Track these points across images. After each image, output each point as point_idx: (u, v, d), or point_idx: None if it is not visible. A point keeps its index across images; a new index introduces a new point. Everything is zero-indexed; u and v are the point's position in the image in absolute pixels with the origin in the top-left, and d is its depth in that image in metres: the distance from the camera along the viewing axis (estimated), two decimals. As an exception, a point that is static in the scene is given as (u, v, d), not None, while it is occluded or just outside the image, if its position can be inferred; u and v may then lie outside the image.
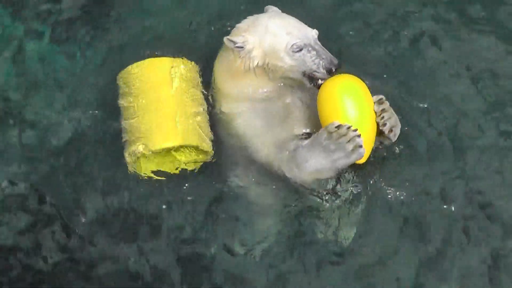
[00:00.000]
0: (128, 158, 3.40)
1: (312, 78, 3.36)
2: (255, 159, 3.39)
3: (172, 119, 3.37)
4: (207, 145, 3.43)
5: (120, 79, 3.57)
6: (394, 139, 3.24)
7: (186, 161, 3.55)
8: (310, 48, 3.32)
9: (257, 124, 3.40)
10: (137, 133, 3.38)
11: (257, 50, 3.36)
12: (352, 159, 3.06)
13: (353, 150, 3.04)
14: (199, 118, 3.46)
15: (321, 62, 3.30)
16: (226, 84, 3.48)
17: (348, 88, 3.15)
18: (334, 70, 3.28)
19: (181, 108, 3.41)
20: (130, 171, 3.47)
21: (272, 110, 3.43)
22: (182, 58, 3.58)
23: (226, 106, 3.49)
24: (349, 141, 3.03)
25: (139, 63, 3.48)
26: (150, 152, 3.35)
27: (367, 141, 3.12)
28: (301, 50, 3.31)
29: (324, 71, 3.29)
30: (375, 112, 3.17)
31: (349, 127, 3.03)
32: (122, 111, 3.53)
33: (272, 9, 3.53)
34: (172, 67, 3.49)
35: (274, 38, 3.34)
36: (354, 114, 3.10)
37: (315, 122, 3.30)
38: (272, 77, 3.41)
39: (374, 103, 3.18)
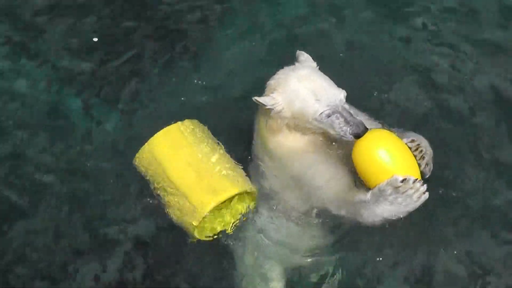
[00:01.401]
0: (195, 231, 3.40)
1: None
2: (317, 204, 3.48)
3: (214, 174, 3.41)
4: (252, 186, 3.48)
5: (139, 163, 3.54)
6: (428, 173, 3.40)
7: (233, 217, 3.55)
8: (338, 115, 3.35)
9: (323, 171, 3.46)
10: (188, 203, 3.37)
11: (286, 111, 3.41)
12: (417, 205, 3.19)
13: (419, 198, 3.17)
14: (227, 165, 3.50)
15: (348, 129, 3.34)
16: (270, 138, 3.53)
17: (383, 141, 3.26)
18: (361, 135, 3.31)
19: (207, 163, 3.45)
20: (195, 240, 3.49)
21: (321, 160, 3.50)
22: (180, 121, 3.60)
23: (269, 159, 3.56)
24: (415, 191, 3.17)
25: (149, 142, 3.48)
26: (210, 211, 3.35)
27: None
28: (329, 117, 3.35)
29: (352, 136, 3.33)
30: (411, 150, 3.32)
31: (414, 180, 3.15)
32: (159, 193, 3.51)
33: (303, 56, 3.54)
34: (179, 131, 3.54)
35: (303, 104, 3.37)
36: (401, 164, 3.22)
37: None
38: (304, 132, 3.47)
39: (407, 143, 3.32)
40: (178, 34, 4.68)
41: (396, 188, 3.15)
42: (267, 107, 3.39)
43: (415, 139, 3.37)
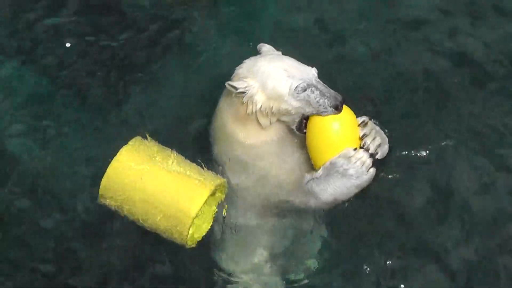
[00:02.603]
0: (187, 241, 3.28)
1: (300, 123, 3.41)
2: (274, 199, 3.46)
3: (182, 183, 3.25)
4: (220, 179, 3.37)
5: (104, 199, 3.36)
6: (381, 157, 3.36)
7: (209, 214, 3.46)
8: (313, 88, 3.32)
9: (278, 164, 3.46)
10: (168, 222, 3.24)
11: (260, 94, 3.36)
12: (368, 178, 3.27)
13: (368, 169, 3.24)
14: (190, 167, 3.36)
15: (326, 101, 3.29)
16: (237, 129, 3.47)
17: (336, 118, 3.29)
18: (340, 107, 3.29)
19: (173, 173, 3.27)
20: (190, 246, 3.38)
21: (285, 149, 3.50)
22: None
23: (241, 151, 3.48)
24: (363, 164, 3.24)
25: (106, 175, 3.28)
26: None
27: None
28: (305, 91, 3.31)
29: (332, 109, 3.29)
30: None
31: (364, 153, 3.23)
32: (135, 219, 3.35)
33: (266, 47, 3.54)
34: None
35: (276, 82, 3.34)
36: (353, 138, 3.30)
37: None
38: (271, 120, 3.42)
39: (358, 125, 3.34)
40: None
41: (348, 158, 3.21)
42: (239, 91, 3.33)
43: (367, 119, 3.37)
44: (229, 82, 3.35)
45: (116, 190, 3.25)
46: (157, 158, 3.28)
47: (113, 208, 3.31)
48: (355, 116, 3.36)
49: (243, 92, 3.34)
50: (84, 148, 3.99)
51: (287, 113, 3.37)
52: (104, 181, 3.25)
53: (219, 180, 3.32)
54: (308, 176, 3.34)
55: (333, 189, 3.28)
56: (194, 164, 3.37)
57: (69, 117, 4.13)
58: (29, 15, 4.54)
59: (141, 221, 3.27)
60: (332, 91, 3.31)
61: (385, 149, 3.37)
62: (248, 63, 3.44)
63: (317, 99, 3.29)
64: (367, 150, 3.29)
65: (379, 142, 3.34)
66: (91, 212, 3.75)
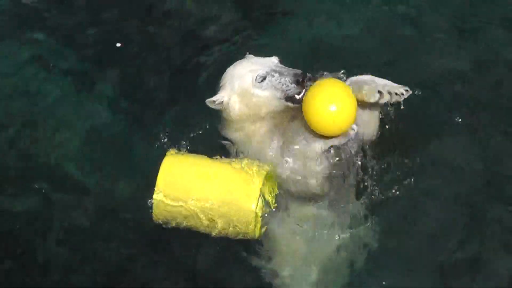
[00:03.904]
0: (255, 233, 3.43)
1: (292, 99, 3.52)
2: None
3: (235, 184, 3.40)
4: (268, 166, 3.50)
5: (160, 217, 3.51)
6: (392, 100, 3.39)
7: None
8: (272, 73, 3.50)
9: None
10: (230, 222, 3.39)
11: (233, 98, 3.59)
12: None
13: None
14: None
15: (286, 79, 3.46)
16: (241, 137, 3.68)
17: (320, 86, 3.36)
18: (302, 80, 3.44)
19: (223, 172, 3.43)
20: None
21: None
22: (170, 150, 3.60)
23: (253, 147, 3.65)
24: None
25: (155, 197, 3.43)
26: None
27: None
28: (265, 78, 3.51)
29: (294, 85, 3.45)
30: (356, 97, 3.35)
31: None
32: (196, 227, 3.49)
33: (246, 59, 3.75)
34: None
35: (240, 79, 3.57)
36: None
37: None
38: (259, 113, 3.59)
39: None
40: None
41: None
42: (217, 103, 3.61)
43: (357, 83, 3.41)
44: (207, 100, 3.63)
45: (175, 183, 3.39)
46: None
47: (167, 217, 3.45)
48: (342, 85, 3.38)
49: (220, 103, 3.61)
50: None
51: (263, 104, 3.55)
52: (160, 175, 3.41)
53: (264, 169, 3.44)
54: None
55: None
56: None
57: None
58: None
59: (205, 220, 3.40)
60: (292, 69, 3.49)
61: (394, 89, 3.37)
62: (223, 76, 3.71)
63: (278, 80, 3.47)
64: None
65: (400, 90, 3.36)
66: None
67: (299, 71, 3.47)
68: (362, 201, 3.70)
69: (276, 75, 3.47)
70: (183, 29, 4.98)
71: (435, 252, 3.73)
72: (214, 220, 3.38)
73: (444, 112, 4.14)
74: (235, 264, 3.81)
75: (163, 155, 3.51)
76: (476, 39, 4.58)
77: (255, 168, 3.41)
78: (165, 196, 3.39)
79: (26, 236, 3.97)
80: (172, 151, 3.56)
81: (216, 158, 3.52)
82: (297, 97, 3.48)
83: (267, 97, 3.51)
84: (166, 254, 3.93)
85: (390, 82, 3.40)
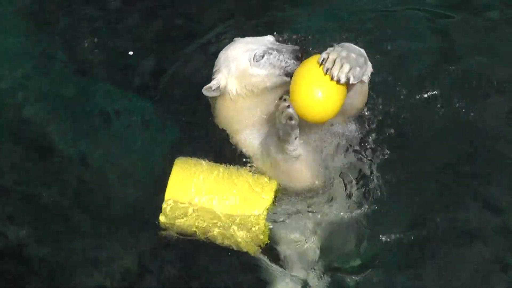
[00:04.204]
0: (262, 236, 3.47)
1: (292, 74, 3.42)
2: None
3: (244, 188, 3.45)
4: None
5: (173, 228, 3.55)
6: (356, 80, 3.21)
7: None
8: (270, 51, 3.48)
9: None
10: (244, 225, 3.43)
11: (230, 80, 3.54)
12: (285, 131, 3.22)
13: (286, 122, 3.19)
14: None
15: (285, 55, 3.45)
16: (235, 123, 3.63)
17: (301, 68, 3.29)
18: (301, 55, 3.42)
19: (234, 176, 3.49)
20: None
21: None
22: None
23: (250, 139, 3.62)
24: (282, 113, 3.18)
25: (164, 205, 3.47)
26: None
27: (326, 102, 3.18)
28: (263, 56, 3.48)
29: (293, 61, 3.43)
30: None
31: (283, 99, 3.19)
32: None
33: (239, 41, 3.68)
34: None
35: (237, 62, 3.52)
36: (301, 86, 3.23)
37: None
38: (258, 92, 3.53)
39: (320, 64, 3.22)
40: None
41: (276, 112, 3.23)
42: (214, 88, 3.54)
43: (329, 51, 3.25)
44: (204, 88, 3.57)
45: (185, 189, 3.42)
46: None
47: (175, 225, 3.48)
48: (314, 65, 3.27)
49: (217, 88, 3.55)
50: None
51: (262, 82, 3.50)
52: (171, 182, 3.45)
53: (273, 186, 3.46)
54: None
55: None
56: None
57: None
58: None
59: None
60: (290, 45, 3.49)
61: (357, 71, 3.20)
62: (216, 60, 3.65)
63: (276, 57, 3.45)
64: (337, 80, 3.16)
65: (348, 67, 3.17)
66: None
67: (297, 47, 3.47)
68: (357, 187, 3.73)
69: (274, 52, 3.46)
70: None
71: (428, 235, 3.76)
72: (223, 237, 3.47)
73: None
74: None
75: (170, 158, 3.55)
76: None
77: (264, 180, 3.47)
78: (172, 218, 3.46)
79: (26, 235, 3.94)
80: (179, 161, 3.55)
81: (225, 167, 3.55)
82: None
83: (266, 75, 3.48)
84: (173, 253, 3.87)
85: (353, 56, 3.24)
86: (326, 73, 3.16)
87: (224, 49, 3.64)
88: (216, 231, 3.45)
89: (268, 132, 3.49)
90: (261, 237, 3.43)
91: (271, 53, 3.47)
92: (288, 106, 3.16)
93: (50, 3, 4.93)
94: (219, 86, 3.55)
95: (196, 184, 3.45)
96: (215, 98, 3.64)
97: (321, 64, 3.19)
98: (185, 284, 3.84)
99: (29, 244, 3.89)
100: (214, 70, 3.63)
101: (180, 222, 3.47)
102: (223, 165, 3.57)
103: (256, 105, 3.57)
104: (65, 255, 3.88)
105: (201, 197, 3.43)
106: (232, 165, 3.58)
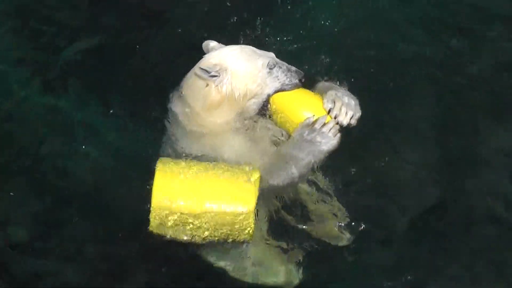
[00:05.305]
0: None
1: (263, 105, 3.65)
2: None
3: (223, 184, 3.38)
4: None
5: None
6: (353, 124, 3.57)
7: None
8: (279, 65, 3.66)
9: (249, 149, 3.63)
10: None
11: (233, 76, 3.56)
12: (335, 143, 3.49)
13: (335, 134, 3.48)
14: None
15: (292, 74, 3.66)
16: (209, 117, 3.62)
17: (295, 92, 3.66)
18: (303, 80, 3.67)
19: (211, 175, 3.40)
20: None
21: (255, 133, 3.68)
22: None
23: (217, 138, 3.63)
24: (330, 129, 3.47)
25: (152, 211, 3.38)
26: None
27: None
28: (274, 67, 3.63)
29: (296, 81, 3.66)
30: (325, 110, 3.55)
31: (325, 120, 3.47)
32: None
33: (214, 43, 3.75)
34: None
35: (248, 63, 3.61)
36: (311, 105, 3.59)
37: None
38: (241, 105, 3.62)
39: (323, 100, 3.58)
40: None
41: (311, 126, 3.45)
42: (212, 74, 3.52)
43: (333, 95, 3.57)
44: (201, 66, 3.54)
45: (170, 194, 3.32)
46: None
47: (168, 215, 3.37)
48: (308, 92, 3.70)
49: (215, 76, 3.53)
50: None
51: (258, 93, 3.62)
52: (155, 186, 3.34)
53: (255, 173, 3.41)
54: (278, 149, 3.55)
55: (304, 155, 3.45)
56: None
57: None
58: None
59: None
60: (292, 66, 3.69)
61: (357, 116, 3.58)
62: (216, 51, 3.66)
63: (285, 73, 3.64)
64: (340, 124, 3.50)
65: (351, 114, 3.55)
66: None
67: (301, 71, 3.69)
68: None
69: (284, 67, 3.66)
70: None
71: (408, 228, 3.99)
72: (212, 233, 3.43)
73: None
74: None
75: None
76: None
77: (247, 169, 3.44)
78: (161, 223, 3.40)
79: (25, 235, 3.99)
80: (160, 163, 3.45)
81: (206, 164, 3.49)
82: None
83: (268, 85, 3.64)
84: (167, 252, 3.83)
85: (353, 103, 3.58)
86: (333, 118, 3.51)
87: (233, 47, 3.69)
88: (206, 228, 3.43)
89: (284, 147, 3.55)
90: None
91: (281, 67, 3.65)
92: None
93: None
94: (218, 75, 3.51)
95: (181, 190, 3.37)
96: (196, 83, 3.59)
97: (328, 112, 3.51)
98: (184, 284, 3.88)
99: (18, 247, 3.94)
100: (216, 57, 3.59)
101: (171, 231, 3.44)
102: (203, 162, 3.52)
103: (241, 109, 3.66)
104: (56, 256, 3.92)
105: (188, 202, 3.36)
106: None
